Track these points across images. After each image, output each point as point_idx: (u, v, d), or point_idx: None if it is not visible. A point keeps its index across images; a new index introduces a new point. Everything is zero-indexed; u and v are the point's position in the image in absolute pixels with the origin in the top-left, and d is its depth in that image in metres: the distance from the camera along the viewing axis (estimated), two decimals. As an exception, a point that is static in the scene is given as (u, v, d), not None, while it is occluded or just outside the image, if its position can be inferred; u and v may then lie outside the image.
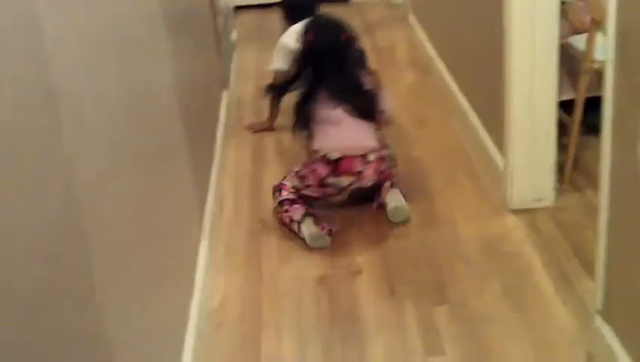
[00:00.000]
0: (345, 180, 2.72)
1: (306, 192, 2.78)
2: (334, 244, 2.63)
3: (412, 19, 4.73)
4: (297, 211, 2.70)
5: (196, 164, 2.49)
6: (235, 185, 3.15)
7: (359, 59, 2.96)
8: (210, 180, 2.83)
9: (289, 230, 2.72)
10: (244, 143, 3.55)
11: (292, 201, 2.74)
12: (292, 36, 3.18)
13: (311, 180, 2.74)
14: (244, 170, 3.27)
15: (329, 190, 2.76)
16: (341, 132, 2.71)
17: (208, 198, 2.68)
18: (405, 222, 2.73)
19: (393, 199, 2.76)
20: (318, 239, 2.63)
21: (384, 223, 2.73)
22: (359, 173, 2.70)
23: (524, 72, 2.56)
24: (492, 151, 2.90)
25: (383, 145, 2.81)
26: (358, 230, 2.73)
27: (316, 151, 2.71)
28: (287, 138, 3.35)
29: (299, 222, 2.68)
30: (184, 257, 2.15)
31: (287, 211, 2.73)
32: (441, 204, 2.84)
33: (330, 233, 2.65)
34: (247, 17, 5.55)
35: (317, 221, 2.67)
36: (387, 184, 2.78)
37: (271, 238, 2.73)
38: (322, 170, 2.71)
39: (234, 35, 4.69)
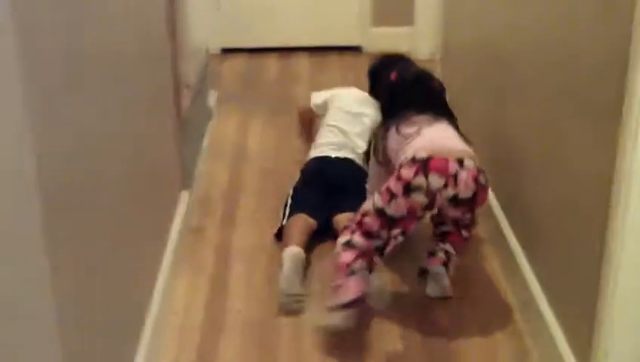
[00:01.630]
0: (436, 180, 2.19)
1: (390, 211, 2.22)
2: None
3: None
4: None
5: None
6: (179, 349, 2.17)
7: (442, 90, 2.59)
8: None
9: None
10: (201, 267, 2.56)
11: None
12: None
13: (396, 188, 2.22)
14: (194, 325, 2.29)
15: (417, 199, 2.20)
16: (428, 136, 2.32)
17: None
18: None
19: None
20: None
21: None
22: (454, 176, 2.20)
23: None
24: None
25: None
26: None
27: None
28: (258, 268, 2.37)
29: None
30: None
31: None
32: None
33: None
34: (236, 64, 4.54)
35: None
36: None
37: None
38: (407, 171, 2.21)
39: (211, 99, 3.68)
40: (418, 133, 2.33)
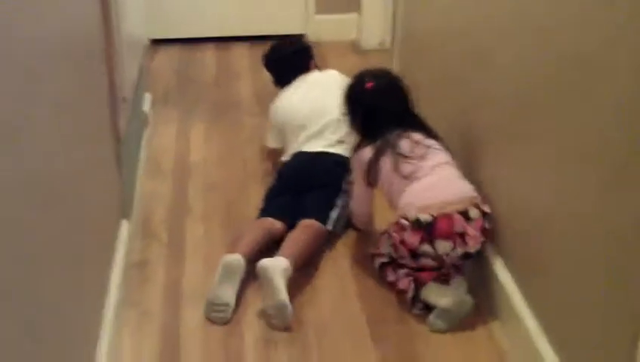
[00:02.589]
0: (443, 246, 2.11)
1: (404, 262, 2.20)
2: None
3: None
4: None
5: None
6: None
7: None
8: None
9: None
10: (148, 315, 2.20)
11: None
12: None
13: (402, 252, 2.17)
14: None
15: (426, 262, 2.15)
16: (429, 184, 2.19)
17: None
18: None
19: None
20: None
21: None
22: (461, 235, 2.10)
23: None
24: None
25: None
26: None
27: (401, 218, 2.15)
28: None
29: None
30: None
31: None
32: None
33: None
34: (168, 59, 4.13)
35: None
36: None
37: None
38: (412, 238, 2.12)
39: (146, 102, 3.27)
40: (416, 175, 2.21)
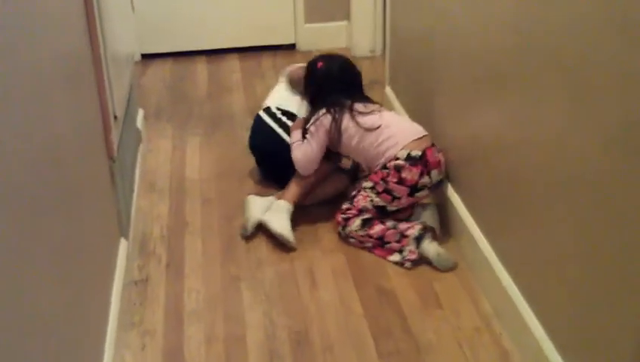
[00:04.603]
0: (436, 175, 2.48)
1: (392, 208, 2.50)
2: None
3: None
4: (408, 227, 2.43)
5: None
6: None
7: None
8: None
9: (383, 254, 2.45)
10: (150, 334, 2.18)
11: (373, 221, 2.48)
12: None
13: (399, 191, 2.46)
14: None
15: (421, 195, 2.50)
16: (402, 126, 2.55)
17: None
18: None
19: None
20: (448, 259, 2.38)
21: None
22: (440, 162, 2.49)
23: None
24: None
25: None
26: None
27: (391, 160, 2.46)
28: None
29: (418, 240, 2.39)
30: None
31: (384, 232, 2.44)
32: None
33: None
34: (160, 73, 4.11)
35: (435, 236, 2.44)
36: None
37: None
38: (412, 173, 2.44)
39: (139, 118, 3.25)
40: (382, 123, 2.51)
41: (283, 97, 2.96)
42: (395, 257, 2.43)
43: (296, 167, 2.65)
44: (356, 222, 2.48)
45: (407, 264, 2.40)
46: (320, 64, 2.74)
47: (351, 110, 2.57)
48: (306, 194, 2.69)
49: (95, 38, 2.20)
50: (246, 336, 2.15)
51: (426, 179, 2.45)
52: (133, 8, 4.03)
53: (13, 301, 1.22)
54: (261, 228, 2.61)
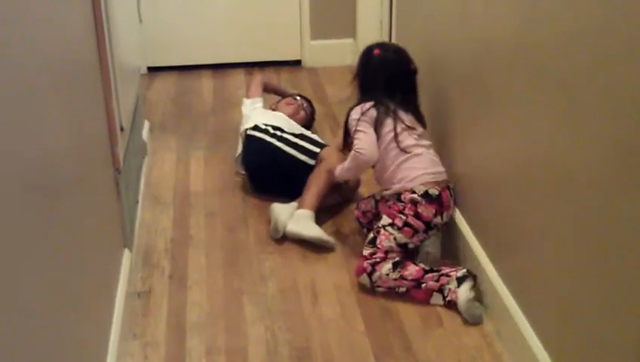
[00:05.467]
0: (446, 217, 2.45)
1: (412, 246, 2.41)
2: None
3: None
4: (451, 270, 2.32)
5: None
6: None
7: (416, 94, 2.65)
8: None
9: (422, 297, 2.32)
10: (152, 345, 2.18)
11: (405, 262, 2.36)
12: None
13: (418, 226, 2.39)
14: None
15: (433, 232, 2.44)
16: (428, 163, 2.46)
17: None
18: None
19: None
20: (476, 308, 2.23)
21: None
22: (451, 206, 2.46)
23: None
24: None
25: None
26: None
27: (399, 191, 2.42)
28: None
29: (460, 280, 2.27)
30: None
31: (421, 273, 2.32)
32: None
33: None
34: (165, 86, 4.14)
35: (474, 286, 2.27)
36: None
37: None
38: (428, 210, 2.39)
39: (145, 131, 3.27)
40: (415, 151, 2.44)
41: (267, 116, 3.10)
42: (438, 299, 2.31)
43: (363, 160, 2.48)
44: (386, 266, 2.34)
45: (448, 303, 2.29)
46: (376, 51, 2.62)
47: (395, 115, 2.47)
48: (322, 201, 2.73)
49: (103, 48, 2.23)
50: (247, 350, 2.16)
51: (438, 219, 2.40)
52: (140, 20, 4.06)
53: (15, 311, 1.23)
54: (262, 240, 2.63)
